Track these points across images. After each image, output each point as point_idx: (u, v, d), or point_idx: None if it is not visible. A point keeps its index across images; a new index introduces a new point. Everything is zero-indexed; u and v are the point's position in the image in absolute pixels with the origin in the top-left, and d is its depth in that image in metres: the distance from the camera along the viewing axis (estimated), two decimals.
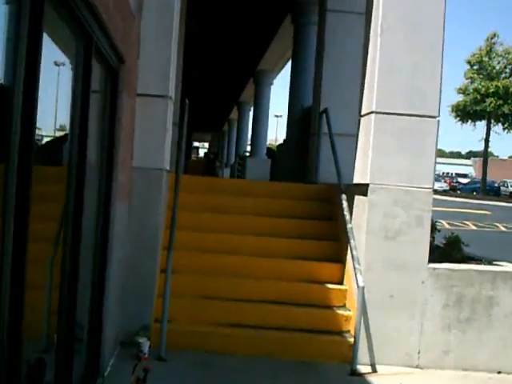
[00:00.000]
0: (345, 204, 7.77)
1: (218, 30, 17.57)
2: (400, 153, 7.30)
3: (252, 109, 28.35)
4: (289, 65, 23.07)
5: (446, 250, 8.37)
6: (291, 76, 14.07)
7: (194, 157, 54.31)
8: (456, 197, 48.40)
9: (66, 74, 4.53)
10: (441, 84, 7.48)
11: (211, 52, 19.87)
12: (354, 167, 8.04)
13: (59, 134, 4.68)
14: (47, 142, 4.31)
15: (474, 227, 23.14)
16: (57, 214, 4.50)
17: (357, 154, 7.91)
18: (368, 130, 7.47)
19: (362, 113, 7.76)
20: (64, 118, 4.48)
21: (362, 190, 7.44)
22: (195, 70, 15.98)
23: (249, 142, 29.55)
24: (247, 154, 26.80)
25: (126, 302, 6.93)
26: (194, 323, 7.31)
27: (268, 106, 24.33)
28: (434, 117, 7.39)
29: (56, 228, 4.54)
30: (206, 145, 77.33)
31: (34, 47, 2.98)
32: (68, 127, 4.47)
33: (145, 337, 6.62)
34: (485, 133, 56.93)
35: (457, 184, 65.06)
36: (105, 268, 5.90)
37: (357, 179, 7.85)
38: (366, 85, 7.71)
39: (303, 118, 12.43)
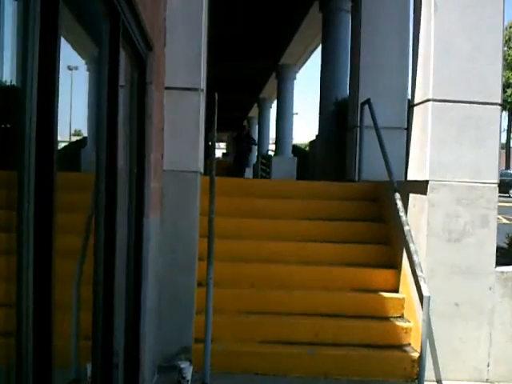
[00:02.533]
0: (399, 203, 7.06)
1: (240, 23, 17.11)
2: (461, 145, 6.64)
3: (273, 106, 27.86)
4: (310, 58, 22.68)
5: (510, 249, 7.65)
6: (322, 68, 13.50)
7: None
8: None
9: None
10: (502, 67, 6.82)
11: (231, 46, 19.33)
12: (403, 162, 7.40)
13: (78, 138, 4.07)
14: (67, 147, 3.71)
15: (506, 221, 22.46)
16: (81, 226, 3.85)
17: (411, 147, 7.25)
18: (424, 120, 6.79)
19: (416, 101, 7.09)
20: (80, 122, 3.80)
21: (420, 187, 6.75)
22: (214, 64, 15.45)
23: (271, 141, 29.09)
24: (271, 152, 26.32)
25: (163, 321, 6.28)
26: (239, 342, 6.64)
27: (292, 101, 23.82)
28: (496, 104, 6.73)
29: (83, 242, 3.93)
30: (222, 145, 77.16)
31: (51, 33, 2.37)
32: (93, 127, 3.74)
33: (186, 360, 5.95)
34: (506, 124, 56.28)
35: None
36: (140, 285, 5.27)
37: (412, 175, 7.16)
38: (419, 70, 7.06)
39: (338, 111, 11.84)
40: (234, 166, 23.82)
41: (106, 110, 3.69)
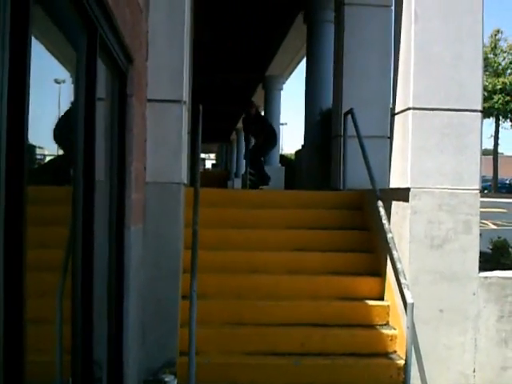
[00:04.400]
0: (382, 211, 7.10)
1: (225, 34, 17.18)
2: (442, 152, 6.69)
3: None
4: (296, 69, 22.73)
5: (494, 255, 7.69)
6: (307, 78, 13.51)
7: (202, 169, 53.96)
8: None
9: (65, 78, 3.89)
10: (482, 75, 6.87)
11: (217, 58, 19.38)
12: (385, 170, 7.45)
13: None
14: (49, 161, 3.71)
15: (493, 226, 22.55)
16: (63, 240, 3.84)
17: (393, 155, 7.31)
18: (405, 128, 6.84)
19: (397, 110, 7.14)
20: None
21: (402, 194, 6.78)
22: (200, 76, 15.49)
23: None
24: None
25: (147, 334, 6.28)
26: (224, 354, 6.61)
27: (279, 111, 23.81)
28: (476, 111, 6.77)
29: (63, 256, 3.92)
30: (212, 156, 77.24)
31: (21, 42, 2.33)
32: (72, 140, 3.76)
33: (171, 374, 5.95)
34: (493, 130, 56.57)
35: None
36: (121, 298, 5.24)
37: (395, 183, 7.21)
38: (399, 79, 7.11)
39: (323, 121, 11.88)
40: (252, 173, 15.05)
41: (83, 121, 3.70)
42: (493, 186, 56.30)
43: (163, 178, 6.53)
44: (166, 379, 5.84)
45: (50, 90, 3.68)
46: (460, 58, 6.74)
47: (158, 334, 6.34)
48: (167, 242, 6.56)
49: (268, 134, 14.39)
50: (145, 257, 6.23)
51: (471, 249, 6.63)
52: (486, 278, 6.65)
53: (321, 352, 6.68)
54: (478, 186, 6.71)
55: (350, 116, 9.29)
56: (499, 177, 58.40)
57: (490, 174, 57.95)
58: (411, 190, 6.60)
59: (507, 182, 59.61)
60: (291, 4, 14.26)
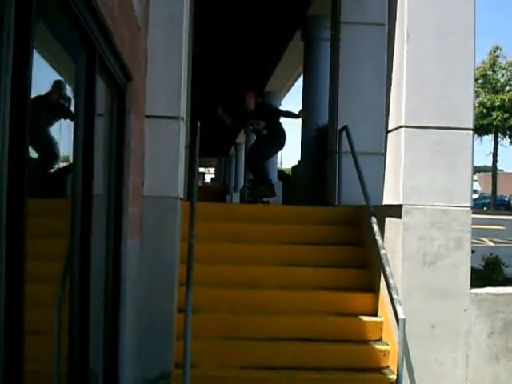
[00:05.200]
0: (375, 227, 7.17)
1: (224, 50, 17.30)
2: (434, 169, 6.78)
3: None
4: (294, 85, 22.84)
5: (486, 272, 7.77)
6: (303, 94, 13.69)
7: (200, 182, 53.99)
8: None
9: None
10: (474, 93, 6.97)
11: (217, 74, 19.53)
12: (380, 187, 7.53)
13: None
14: (49, 173, 3.80)
15: (491, 243, 22.57)
16: (61, 252, 3.93)
17: (386, 172, 7.40)
18: (398, 146, 6.94)
19: (390, 128, 7.24)
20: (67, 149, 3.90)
21: (394, 211, 6.89)
22: (200, 92, 15.60)
23: None
24: None
25: (143, 346, 6.35)
26: (219, 367, 6.68)
27: None
28: (468, 129, 6.88)
29: (61, 268, 4.01)
30: (212, 170, 77.24)
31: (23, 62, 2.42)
32: (71, 155, 3.87)
33: None
34: (492, 147, 56.70)
35: None
36: (118, 311, 5.32)
37: (387, 200, 7.30)
38: (392, 98, 7.22)
39: (319, 137, 11.99)
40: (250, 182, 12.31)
41: (83, 136, 3.80)
42: (492, 203, 56.36)
43: (160, 192, 6.62)
44: None
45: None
46: (452, 76, 6.85)
47: (154, 346, 6.41)
48: (163, 255, 6.65)
49: (274, 129, 11.28)
50: (141, 270, 6.33)
51: (463, 265, 6.72)
52: (477, 294, 6.73)
53: (314, 367, 6.73)
54: (469, 203, 6.81)
55: (344, 132, 9.40)
56: (498, 194, 58.45)
57: (488, 191, 58.10)
58: (403, 206, 6.70)
59: (506, 198, 59.66)
60: (289, 22, 14.42)
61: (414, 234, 6.69)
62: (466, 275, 6.73)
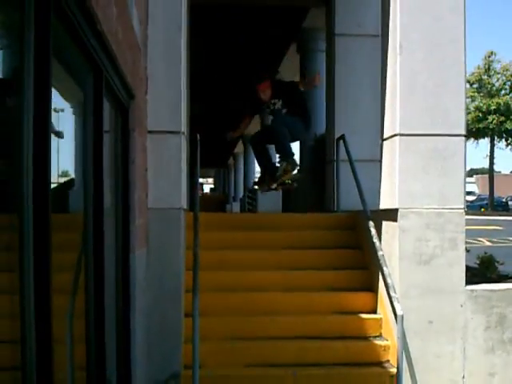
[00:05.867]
0: (373, 231, 7.49)
1: (221, 63, 17.46)
2: (428, 174, 7.10)
3: None
4: None
5: (481, 270, 8.10)
6: None
7: (200, 193, 54.09)
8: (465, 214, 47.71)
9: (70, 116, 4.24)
10: (465, 101, 7.28)
11: (214, 85, 19.70)
12: (377, 192, 7.82)
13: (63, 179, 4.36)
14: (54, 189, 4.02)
15: (488, 243, 22.89)
16: (73, 264, 4.21)
17: (382, 178, 7.71)
18: (393, 153, 7.25)
19: (385, 136, 7.55)
20: (67, 164, 4.14)
21: (391, 215, 7.21)
22: (198, 104, 15.80)
23: (257, 175, 29.25)
24: (257, 187, 26.44)
25: (153, 350, 6.64)
26: (225, 367, 6.99)
27: None
28: (460, 135, 7.19)
29: (73, 279, 4.28)
30: (210, 180, 77.36)
31: (43, 87, 2.68)
32: (80, 171, 4.13)
33: None
34: (489, 150, 57.05)
35: None
36: (128, 318, 5.59)
37: (384, 204, 7.62)
38: (387, 107, 7.52)
39: (317, 146, 12.23)
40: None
41: (92, 155, 4.03)
42: (489, 204, 56.65)
43: (164, 204, 6.89)
44: None
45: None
46: (444, 86, 7.15)
47: (163, 350, 6.69)
48: (169, 263, 6.92)
49: (296, 105, 9.50)
50: (149, 278, 6.60)
51: (457, 264, 7.04)
52: (472, 290, 7.06)
53: (317, 363, 7.04)
54: (462, 206, 7.13)
55: (342, 141, 9.68)
56: (496, 195, 58.75)
57: (486, 193, 58.34)
58: (399, 210, 7.02)
59: (503, 200, 59.90)
60: (285, 35, 14.56)
61: (410, 235, 7.01)
62: (461, 273, 7.05)
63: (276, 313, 7.59)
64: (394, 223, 7.11)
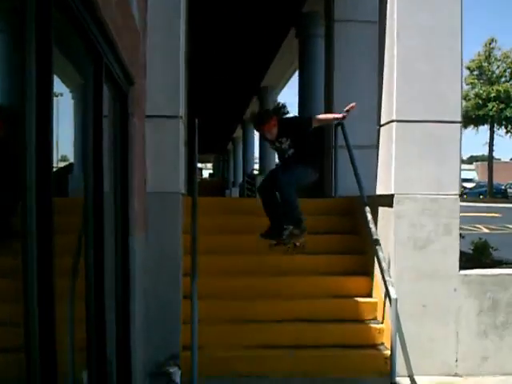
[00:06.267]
0: (369, 216, 7.58)
1: (221, 48, 17.49)
2: (424, 161, 7.19)
3: None
4: (291, 80, 23.14)
5: (475, 255, 8.21)
6: (299, 90, 13.95)
7: (199, 178, 54.11)
8: (464, 201, 47.68)
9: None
10: (461, 88, 7.35)
11: (213, 70, 19.75)
12: (375, 178, 7.90)
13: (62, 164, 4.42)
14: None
15: (486, 230, 22.93)
16: (73, 246, 4.29)
17: (378, 164, 7.80)
18: (389, 139, 7.34)
19: (382, 122, 7.64)
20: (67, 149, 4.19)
21: (387, 200, 7.31)
22: (197, 88, 15.85)
23: (256, 160, 29.31)
24: (256, 172, 26.53)
25: (152, 332, 6.73)
26: (224, 348, 7.13)
27: None
28: (456, 122, 7.28)
29: (74, 261, 4.36)
30: (209, 165, 77.38)
31: (45, 73, 2.75)
32: (78, 154, 4.18)
33: (175, 366, 6.44)
34: (488, 137, 57.04)
35: (463, 189, 64.65)
36: (128, 300, 5.66)
37: (380, 190, 7.71)
38: (384, 93, 7.60)
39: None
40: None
41: (92, 140, 4.08)
42: (488, 192, 56.68)
43: (163, 188, 6.97)
44: (171, 370, 6.34)
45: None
46: (440, 73, 7.24)
47: (163, 331, 6.81)
48: (168, 247, 7.03)
49: (304, 146, 7.78)
50: (148, 261, 6.65)
51: (452, 249, 7.15)
52: (466, 275, 7.17)
53: (314, 345, 7.18)
54: (457, 192, 7.24)
55: (340, 127, 9.73)
56: (495, 182, 58.69)
57: (486, 180, 58.38)
58: (395, 196, 7.13)
59: (503, 187, 59.88)
60: (283, 20, 14.62)
61: (405, 221, 7.12)
62: (455, 258, 7.17)
63: (273, 296, 7.69)
64: (390, 209, 7.21)
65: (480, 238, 8.69)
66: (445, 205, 7.15)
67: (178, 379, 6.34)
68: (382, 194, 7.56)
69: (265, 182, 7.71)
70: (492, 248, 8.46)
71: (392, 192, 7.16)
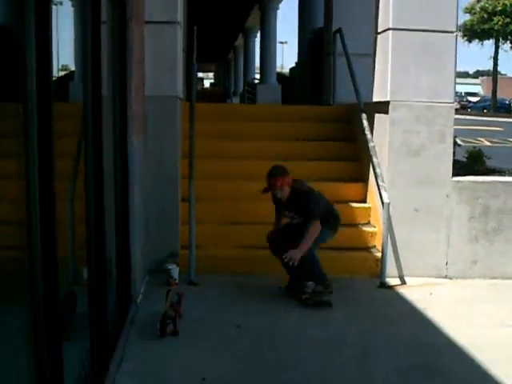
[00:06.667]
0: (365, 123, 7.71)
1: None
2: (419, 69, 7.24)
3: (258, 35, 27.88)
4: None
5: (468, 163, 8.35)
6: None
7: (200, 88, 53.83)
8: (467, 115, 47.79)
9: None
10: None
11: None
12: (372, 86, 7.96)
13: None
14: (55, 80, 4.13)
15: (488, 143, 23.03)
16: (73, 150, 4.43)
17: (375, 71, 7.85)
18: (385, 47, 7.38)
19: (379, 30, 7.66)
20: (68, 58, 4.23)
21: (383, 107, 7.40)
22: None
23: (257, 70, 29.16)
24: (257, 81, 26.44)
25: (151, 231, 6.99)
26: (220, 248, 7.40)
27: (275, 31, 23.87)
28: (451, 32, 7.29)
29: (74, 163, 4.51)
30: (211, 75, 76.75)
31: None
32: (79, 62, 4.22)
33: (173, 263, 6.69)
34: (493, 51, 56.49)
35: (467, 103, 64.35)
36: (127, 200, 5.85)
37: (376, 97, 7.80)
38: (381, 1, 7.56)
39: (315, 40, 12.27)
40: None
41: (90, 44, 4.16)
42: (492, 106, 56.47)
43: (161, 91, 7.07)
44: (170, 267, 6.60)
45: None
46: None
47: (162, 230, 7.08)
48: (167, 150, 7.21)
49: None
50: (147, 164, 6.86)
51: (445, 156, 7.29)
52: (458, 181, 7.32)
53: None
54: (452, 100, 7.33)
55: (338, 34, 9.76)
56: (500, 97, 58.42)
57: (490, 94, 58.08)
58: (390, 103, 7.21)
59: (507, 102, 59.60)
60: None
61: (400, 127, 7.22)
62: (448, 164, 7.31)
63: (269, 199, 7.76)
64: (385, 115, 7.30)
65: (474, 147, 8.81)
66: (439, 112, 7.23)
67: (176, 275, 6.60)
68: (379, 101, 7.64)
69: (275, 234, 6.86)
70: (486, 157, 8.59)
71: (388, 99, 7.23)
